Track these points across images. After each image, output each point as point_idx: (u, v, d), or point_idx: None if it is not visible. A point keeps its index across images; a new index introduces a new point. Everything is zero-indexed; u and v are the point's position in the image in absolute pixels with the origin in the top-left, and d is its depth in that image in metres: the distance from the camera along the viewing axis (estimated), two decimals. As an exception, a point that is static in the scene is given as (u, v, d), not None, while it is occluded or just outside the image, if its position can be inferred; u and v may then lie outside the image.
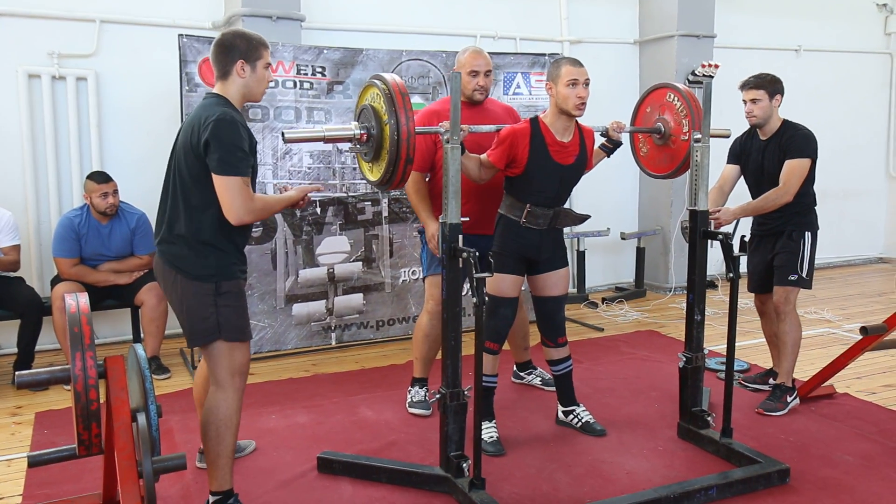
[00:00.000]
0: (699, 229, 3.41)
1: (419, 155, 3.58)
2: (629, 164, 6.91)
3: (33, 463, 2.57)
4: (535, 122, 3.38)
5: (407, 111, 2.74)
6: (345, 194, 5.08)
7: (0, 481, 3.26)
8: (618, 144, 3.70)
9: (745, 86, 3.90)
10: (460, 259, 2.85)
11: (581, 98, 3.27)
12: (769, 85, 3.85)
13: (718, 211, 3.74)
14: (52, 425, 3.83)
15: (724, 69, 6.50)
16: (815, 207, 3.98)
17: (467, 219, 2.91)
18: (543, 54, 5.75)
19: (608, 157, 3.76)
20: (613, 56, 6.90)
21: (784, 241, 3.90)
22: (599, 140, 3.70)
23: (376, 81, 2.86)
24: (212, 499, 2.76)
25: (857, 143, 8.03)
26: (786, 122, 3.92)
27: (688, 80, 6.56)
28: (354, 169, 5.09)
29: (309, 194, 2.92)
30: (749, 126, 4.00)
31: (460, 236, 2.87)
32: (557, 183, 3.43)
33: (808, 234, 3.91)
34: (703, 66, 6.46)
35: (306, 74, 4.94)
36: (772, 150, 3.90)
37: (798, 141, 3.83)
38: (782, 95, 3.89)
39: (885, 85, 8.20)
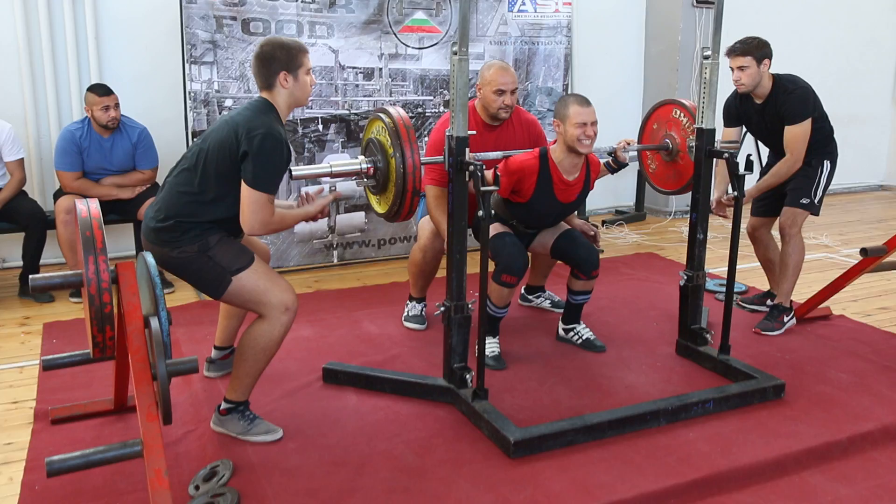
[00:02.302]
0: (704, 148, 3.40)
1: (438, 170, 3.55)
2: (633, 87, 6.92)
3: (48, 366, 2.62)
4: (543, 157, 3.38)
5: (412, 144, 2.76)
6: (347, 112, 5.03)
7: (14, 386, 3.33)
8: (623, 165, 3.67)
9: (732, 52, 3.78)
10: (467, 172, 2.85)
11: (590, 137, 3.29)
12: (756, 50, 3.73)
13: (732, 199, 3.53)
14: (60, 335, 3.88)
15: (733, -11, 6.37)
16: (833, 136, 3.96)
17: (474, 132, 2.89)
18: (549, -29, 5.63)
19: (612, 174, 3.74)
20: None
21: (802, 167, 3.86)
22: (605, 158, 3.68)
23: (381, 115, 2.87)
24: (224, 405, 2.83)
25: (863, 67, 7.91)
26: (777, 82, 3.82)
27: (694, 1, 6.43)
28: (357, 86, 5.04)
29: (327, 206, 2.91)
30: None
31: (467, 149, 2.86)
32: (554, 217, 3.57)
33: (826, 163, 3.90)
34: (712, -15, 6.33)
35: (308, -12, 4.84)
36: (770, 114, 3.84)
37: (793, 106, 3.76)
38: (770, 59, 3.77)
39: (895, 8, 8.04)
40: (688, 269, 3.57)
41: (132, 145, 4.57)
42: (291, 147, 4.81)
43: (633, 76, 6.95)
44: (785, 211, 3.91)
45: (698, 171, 3.45)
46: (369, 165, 2.94)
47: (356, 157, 3.02)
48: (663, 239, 6.09)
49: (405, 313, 4.07)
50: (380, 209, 3.05)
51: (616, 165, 3.66)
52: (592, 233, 3.71)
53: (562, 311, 3.86)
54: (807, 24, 7.39)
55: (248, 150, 2.56)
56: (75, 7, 4.98)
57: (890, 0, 7.96)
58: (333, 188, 5.03)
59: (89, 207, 2.20)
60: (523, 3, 5.52)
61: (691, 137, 3.48)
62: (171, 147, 4.83)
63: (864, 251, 3.59)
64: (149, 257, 2.35)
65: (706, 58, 3.34)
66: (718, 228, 6.13)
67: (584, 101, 3.32)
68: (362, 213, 5.20)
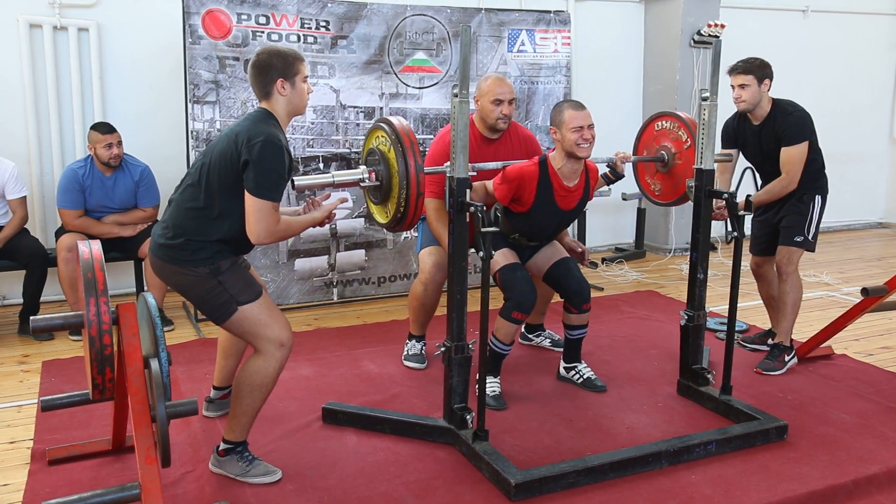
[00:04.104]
0: (704, 188, 3.41)
1: (438, 182, 3.56)
2: (631, 125, 6.95)
3: (46, 407, 2.61)
4: (543, 164, 3.40)
5: (414, 150, 2.79)
6: (347, 150, 5.07)
7: (11, 426, 3.31)
8: (620, 177, 3.75)
9: (733, 71, 3.83)
10: (467, 214, 2.86)
11: (588, 140, 3.31)
12: (758, 70, 3.78)
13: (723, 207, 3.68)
14: (59, 373, 3.87)
15: (731, 29, 6.44)
16: (825, 171, 3.98)
17: (475, 173, 2.91)
18: (549, 11, 5.71)
19: (608, 186, 3.79)
20: (619, 15, 6.83)
21: (793, 203, 3.89)
22: (603, 169, 3.73)
23: (382, 125, 2.91)
24: (223, 445, 2.81)
25: (860, 105, 7.98)
26: (776, 104, 3.86)
27: (693, 40, 6.51)
28: (358, 125, 5.08)
29: (334, 211, 2.91)
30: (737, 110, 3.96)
31: (467, 190, 2.87)
32: (556, 225, 3.57)
33: (818, 198, 3.92)
34: (709, 25, 6.40)
35: (310, 28, 4.91)
36: (767, 135, 3.87)
37: (791, 127, 3.79)
38: (771, 80, 3.82)
39: (893, 47, 8.10)
40: (688, 308, 3.56)
41: (134, 183, 4.60)
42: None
43: (632, 114, 7.00)
44: (780, 250, 3.92)
45: (697, 212, 3.46)
46: (371, 170, 2.98)
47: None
48: (663, 276, 6.09)
49: (405, 352, 4.05)
50: (382, 219, 3.08)
51: (614, 177, 3.72)
52: (580, 250, 3.72)
53: (562, 349, 3.85)
54: (804, 64, 7.47)
55: (249, 159, 2.55)
56: (80, 47, 5.04)
57: (886, 39, 8.06)
58: (334, 226, 5.05)
59: (91, 249, 2.20)
60: (523, 44, 5.58)
61: (682, 132, 3.49)
62: (172, 185, 4.71)
63: (864, 291, 3.60)
64: (149, 297, 2.35)
65: (704, 99, 3.38)
66: (719, 266, 6.14)
67: (579, 106, 3.35)
68: (362, 251, 5.20)
